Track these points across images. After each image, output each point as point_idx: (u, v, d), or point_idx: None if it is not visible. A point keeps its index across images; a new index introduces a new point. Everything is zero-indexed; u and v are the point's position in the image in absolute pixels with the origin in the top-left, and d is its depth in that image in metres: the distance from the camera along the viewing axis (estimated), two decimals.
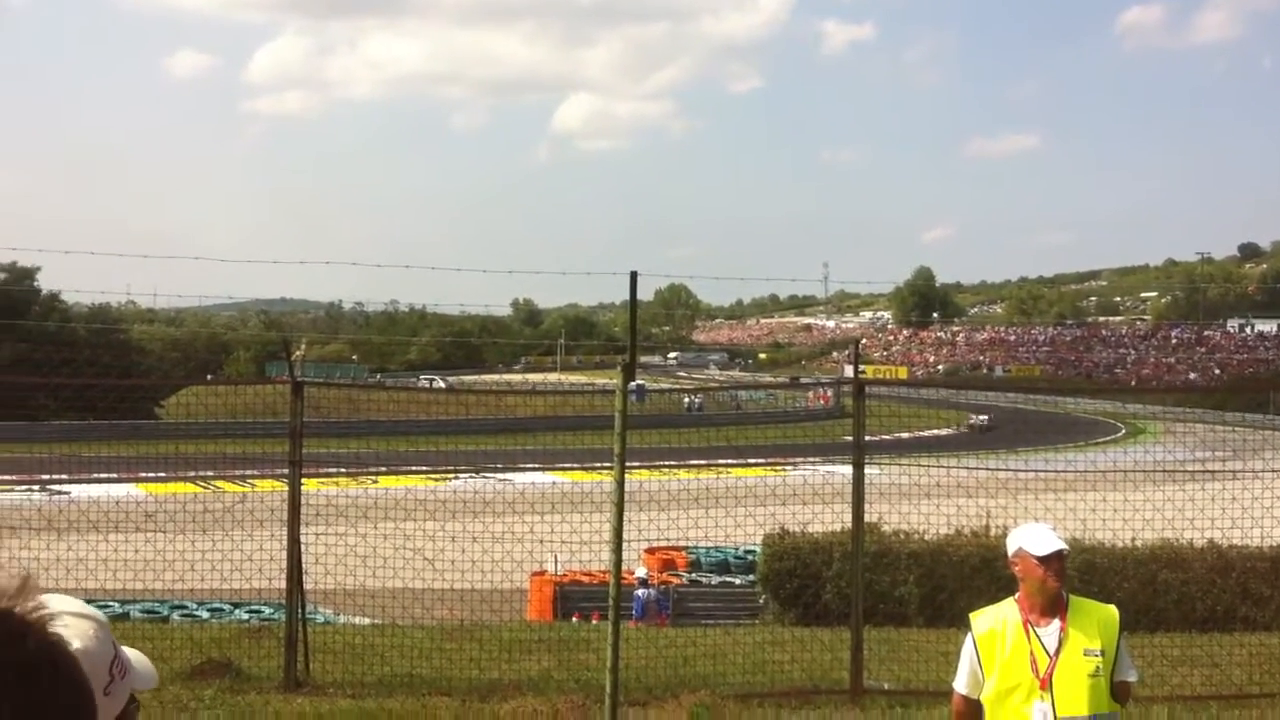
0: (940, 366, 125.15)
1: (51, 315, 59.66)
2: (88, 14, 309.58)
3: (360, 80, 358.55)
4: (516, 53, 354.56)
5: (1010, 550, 4.62)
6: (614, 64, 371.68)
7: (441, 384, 58.65)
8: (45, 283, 62.03)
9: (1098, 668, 4.46)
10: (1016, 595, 4.61)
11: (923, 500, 15.12)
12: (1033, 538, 4.54)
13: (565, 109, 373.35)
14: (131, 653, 1.64)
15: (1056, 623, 4.50)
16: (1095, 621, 4.54)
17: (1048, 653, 4.48)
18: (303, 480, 10.77)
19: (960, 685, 4.64)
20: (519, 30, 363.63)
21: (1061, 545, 4.51)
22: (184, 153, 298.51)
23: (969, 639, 4.63)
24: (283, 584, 10.72)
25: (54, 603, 1.51)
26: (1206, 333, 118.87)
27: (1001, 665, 4.51)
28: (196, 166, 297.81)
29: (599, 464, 25.62)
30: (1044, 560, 4.45)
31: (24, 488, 29.12)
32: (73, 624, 1.50)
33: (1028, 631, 4.51)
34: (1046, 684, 4.43)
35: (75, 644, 1.45)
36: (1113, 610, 4.62)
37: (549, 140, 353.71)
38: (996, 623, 4.58)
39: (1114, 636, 4.53)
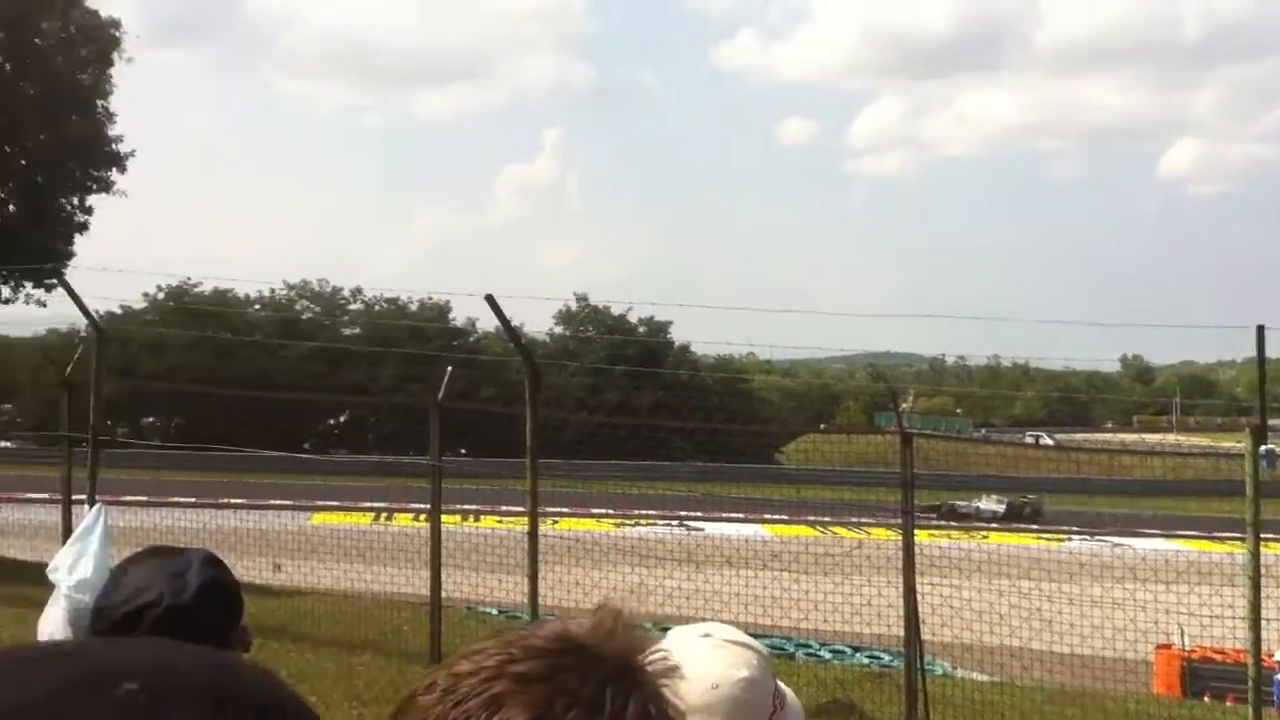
0: None
1: (683, 365, 65.13)
2: (708, 89, 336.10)
3: (955, 137, 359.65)
4: (1114, 100, 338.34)
5: None
6: (1220, 106, 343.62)
7: (1049, 441, 56.90)
8: (677, 335, 67.71)
9: None
10: None
11: None
12: None
13: (1171, 154, 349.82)
14: (783, 686, 1.66)
15: None
16: None
17: None
18: (916, 530, 11.05)
19: None
20: (1117, 78, 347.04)
21: None
22: (794, 213, 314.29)
23: None
24: (900, 631, 11.05)
25: (716, 631, 1.60)
26: None
27: None
28: (806, 226, 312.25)
29: (1227, 533, 23.84)
30: None
31: (664, 523, 32.11)
32: (735, 652, 1.54)
33: None
34: None
35: (741, 672, 1.52)
36: None
37: (1154, 187, 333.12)
38: None
39: None
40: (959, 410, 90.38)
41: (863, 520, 30.90)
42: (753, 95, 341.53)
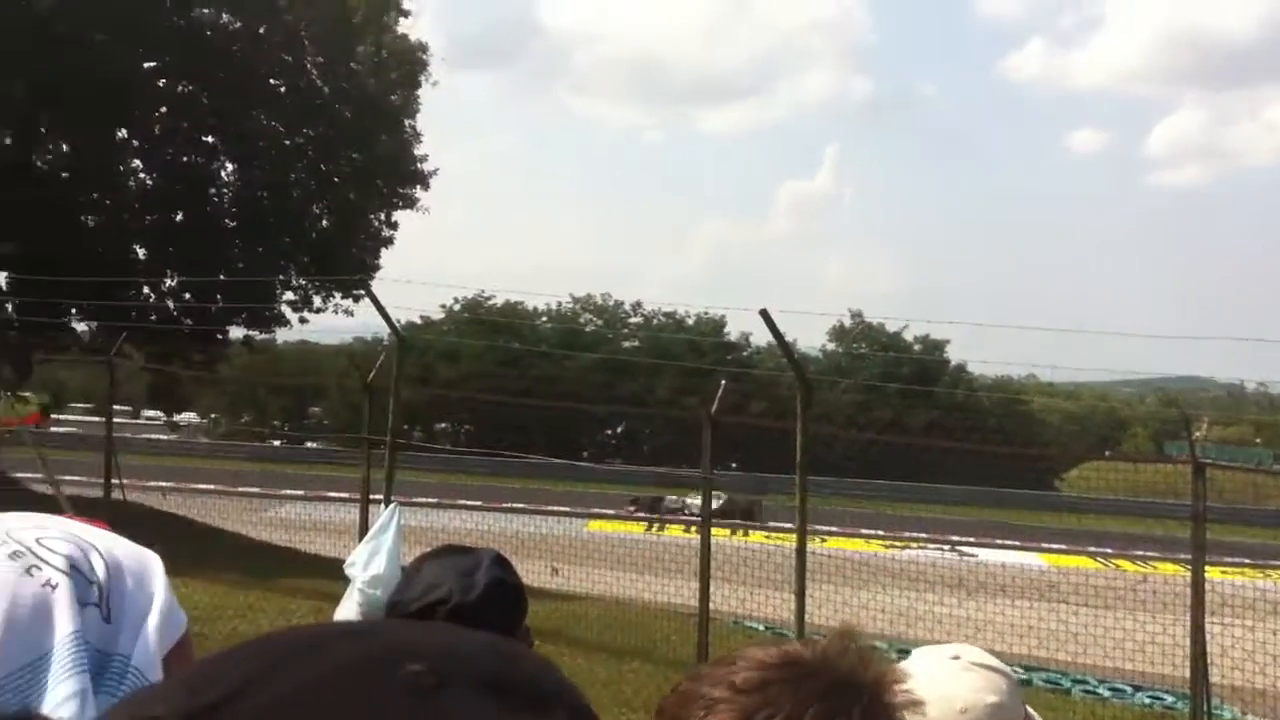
0: None
1: (959, 385, 63.62)
2: (993, 98, 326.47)
3: (1260, 147, 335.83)
4: None
5: None
6: None
7: None
8: (954, 354, 66.21)
9: None
10: None
11: None
12: None
13: None
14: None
15: None
16: None
17: None
18: (1206, 566, 10.57)
19: None
20: None
21: None
22: (1083, 227, 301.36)
23: None
24: (1185, 673, 10.60)
25: (965, 653, 1.61)
26: None
27: None
28: (1098, 240, 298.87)
29: None
30: None
31: (935, 546, 31.52)
32: (985, 676, 1.54)
33: None
34: None
35: (990, 697, 1.51)
36: None
37: None
38: None
39: None
40: (1259, 440, 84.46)
41: (1148, 554, 29.53)
42: (1041, 104, 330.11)
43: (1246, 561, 27.81)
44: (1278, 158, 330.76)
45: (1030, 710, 1.62)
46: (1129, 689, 14.70)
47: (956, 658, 1.56)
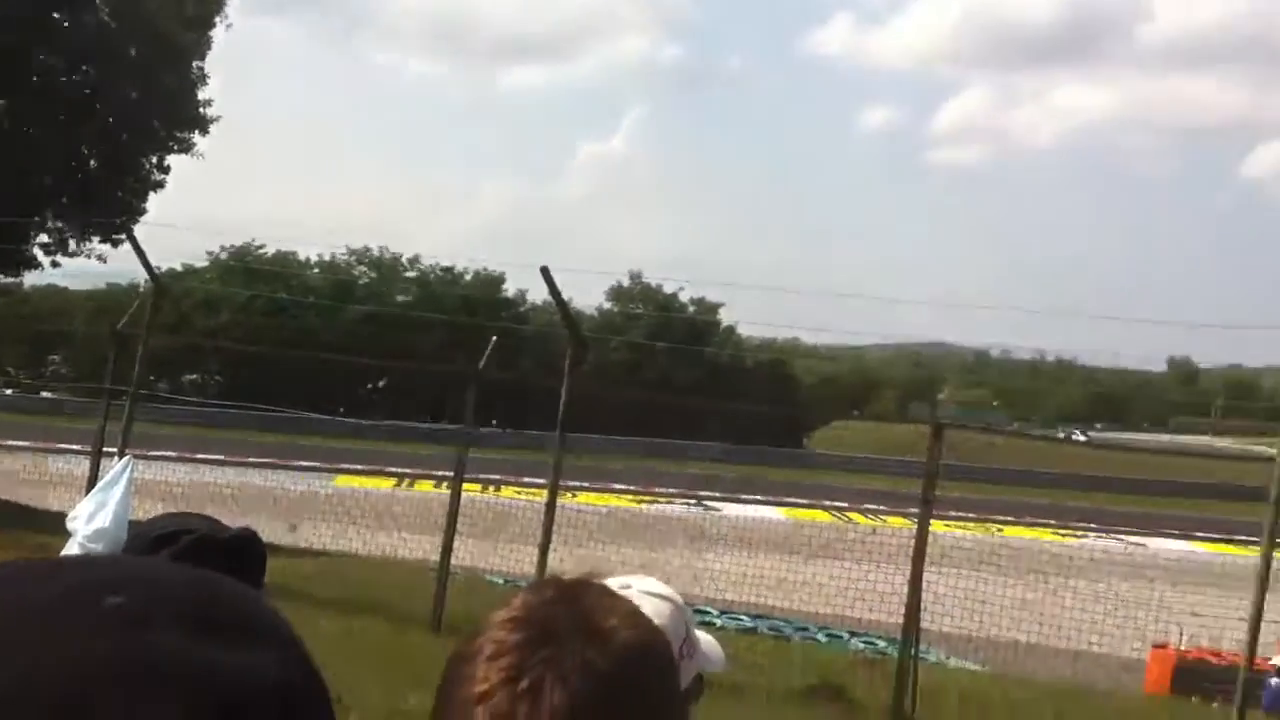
0: None
1: (729, 347, 64.97)
2: (795, 72, 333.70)
3: (1039, 130, 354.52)
4: (1212, 97, 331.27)
5: None
6: None
7: (1082, 438, 56.50)
8: (729, 317, 67.49)
9: None
10: None
11: None
12: None
13: (1257, 156, 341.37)
14: (703, 636, 1.79)
15: None
16: None
17: None
18: (932, 521, 11.01)
19: None
20: (1219, 73, 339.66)
21: None
22: (870, 200, 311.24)
23: None
24: (901, 619, 11.08)
25: (636, 583, 1.70)
26: None
27: None
28: (878, 213, 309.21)
29: (1246, 538, 23.68)
30: None
31: (683, 501, 32.21)
32: (650, 603, 1.63)
33: None
34: None
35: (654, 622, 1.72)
36: None
37: (1233, 188, 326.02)
38: None
39: None
40: (996, 403, 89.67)
41: (880, 508, 30.93)
42: (839, 80, 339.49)
43: (973, 516, 29.60)
44: (1056, 139, 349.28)
45: (701, 635, 1.75)
46: (846, 635, 15.42)
47: (628, 587, 1.63)
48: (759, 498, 33.58)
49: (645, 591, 1.68)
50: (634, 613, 1.00)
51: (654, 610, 1.59)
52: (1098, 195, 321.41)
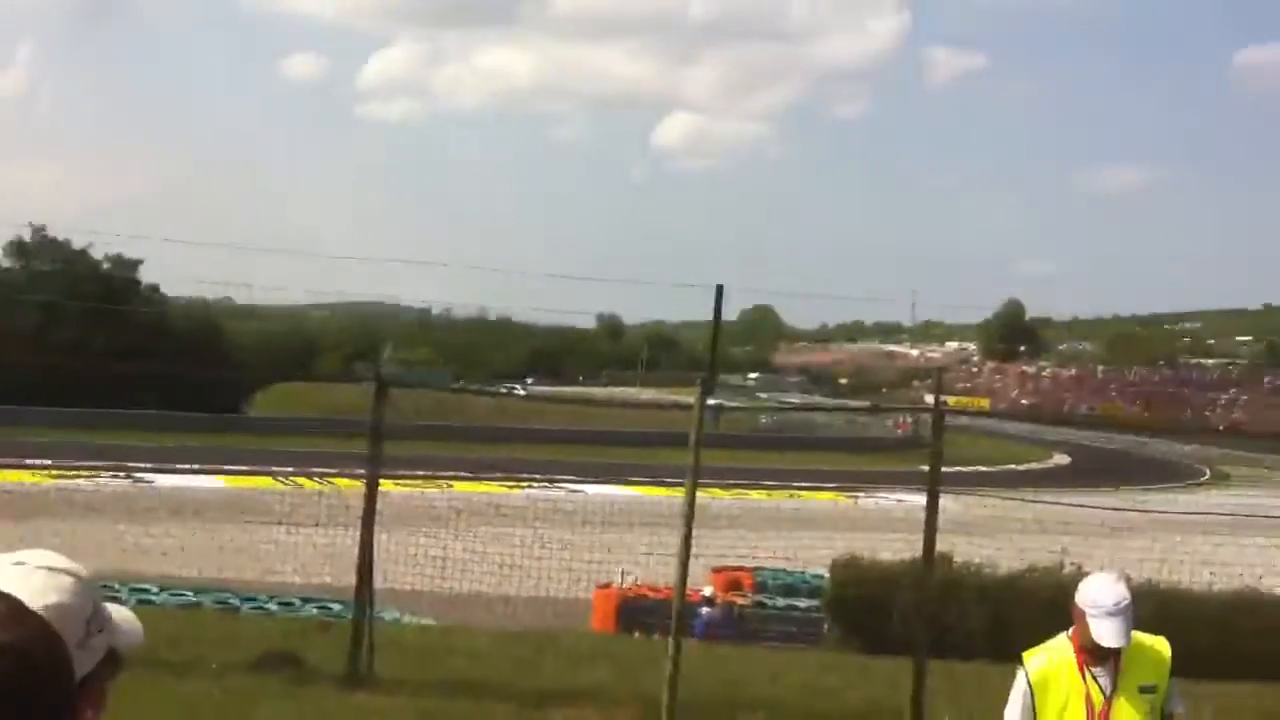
0: (1024, 401, 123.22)
1: (150, 306, 61.16)
2: (214, 14, 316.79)
3: (466, 90, 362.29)
4: (621, 68, 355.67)
5: (1077, 599, 4.51)
6: (718, 83, 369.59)
7: (521, 392, 58.97)
8: (150, 275, 63.77)
9: (1152, 705, 4.40)
10: (1070, 632, 4.54)
11: (997, 534, 14.94)
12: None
13: (665, 127, 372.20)
14: (118, 610, 1.67)
15: (1111, 661, 4.43)
16: (1149, 658, 4.47)
17: (1103, 693, 4.41)
18: (381, 481, 10.83)
19: None
20: (625, 46, 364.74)
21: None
22: (294, 154, 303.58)
23: (1022, 678, 4.56)
24: (353, 581, 10.80)
25: (31, 558, 1.57)
26: None
27: (1055, 706, 4.45)
28: (307, 168, 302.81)
29: (674, 480, 25.72)
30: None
31: (110, 474, 29.70)
32: (48, 578, 1.53)
33: (1083, 672, 4.44)
34: None
35: (51, 598, 1.50)
36: (1164, 644, 4.55)
37: (647, 157, 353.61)
38: (1051, 663, 4.51)
39: (1166, 671, 4.47)
40: (441, 361, 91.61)
41: (328, 471, 30.40)
42: (260, 27, 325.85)
43: (422, 474, 29.88)
44: (482, 100, 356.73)
45: (115, 609, 1.64)
46: (299, 601, 14.92)
47: (21, 563, 1.55)
48: (196, 466, 31.84)
49: (42, 566, 1.56)
50: (11, 614, 1.00)
51: (55, 586, 1.52)
52: (523, 158, 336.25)
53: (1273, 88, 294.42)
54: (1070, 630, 4.53)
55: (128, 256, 61.90)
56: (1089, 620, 4.37)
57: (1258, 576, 14.27)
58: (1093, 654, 4.41)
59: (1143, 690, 4.41)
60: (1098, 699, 4.40)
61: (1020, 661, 4.60)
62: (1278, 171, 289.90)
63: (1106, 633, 4.32)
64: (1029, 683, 4.52)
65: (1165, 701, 4.46)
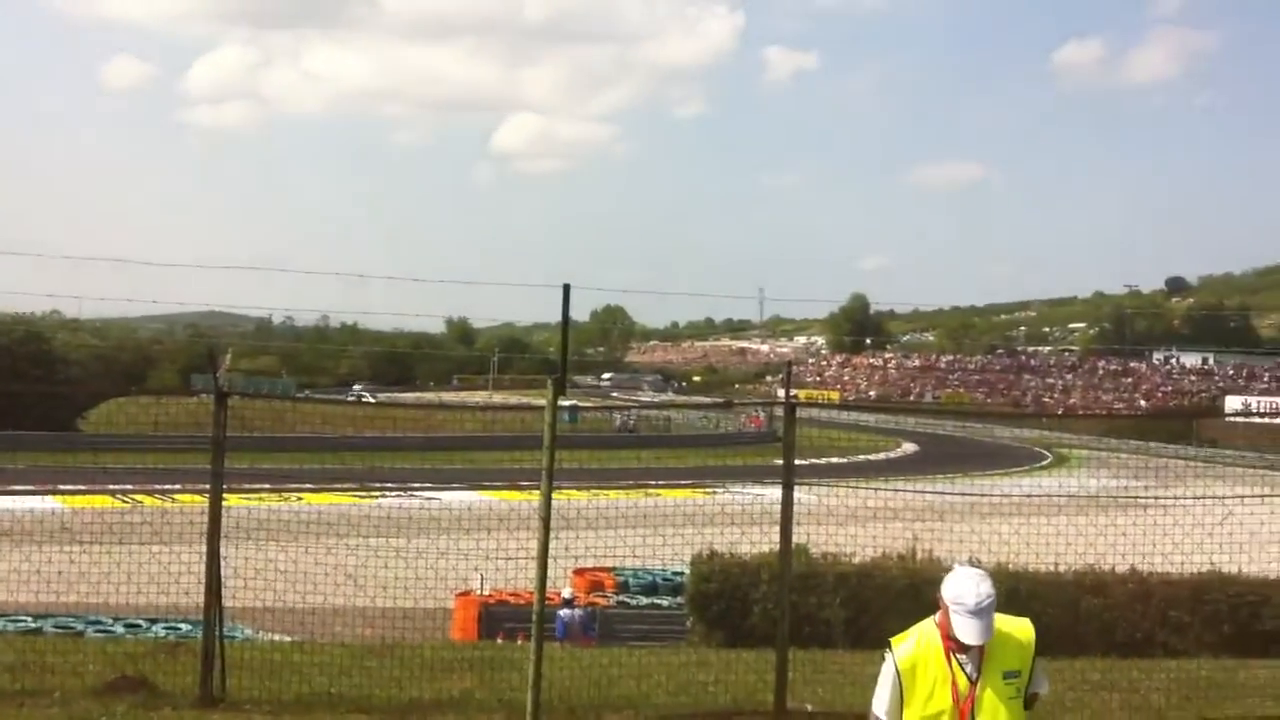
0: (872, 392, 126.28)
1: None
2: (21, 18, 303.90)
3: (302, 94, 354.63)
4: (458, 71, 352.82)
5: (942, 591, 4.53)
6: (557, 85, 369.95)
7: (370, 399, 57.91)
8: None
9: (1017, 689, 4.47)
10: (937, 617, 4.58)
11: (851, 523, 15.15)
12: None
13: (506, 128, 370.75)
14: None
15: (976, 649, 4.47)
16: (1013, 645, 4.53)
17: (969, 678, 4.46)
18: (226, 495, 10.48)
19: (880, 710, 4.59)
20: (461, 47, 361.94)
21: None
22: (120, 162, 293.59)
23: (890, 663, 4.58)
24: (201, 599, 10.45)
25: None
26: (1132, 364, 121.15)
27: (922, 692, 4.48)
28: (133, 177, 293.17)
29: (528, 483, 25.56)
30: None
31: None
32: None
33: (949, 659, 4.48)
34: (968, 712, 4.42)
35: None
36: (1028, 628, 4.62)
37: (489, 159, 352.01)
38: (918, 649, 4.54)
39: (1031, 655, 4.54)
40: (284, 370, 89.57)
41: (169, 487, 29.44)
42: (78, 32, 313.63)
43: (268, 486, 29.09)
44: (321, 105, 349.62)
45: None
46: (145, 623, 14.38)
47: None
48: (28, 487, 30.49)
49: None
50: None
51: None
52: (363, 161, 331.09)
53: (1091, 82, 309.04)
54: (937, 616, 4.57)
55: None
56: (952, 616, 4.42)
57: (1099, 555, 14.78)
58: (958, 642, 4.46)
59: (1007, 676, 4.47)
60: (963, 685, 4.45)
61: (889, 647, 4.63)
62: (1101, 163, 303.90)
63: (968, 631, 4.38)
64: (897, 669, 4.54)
65: (1029, 684, 4.53)
